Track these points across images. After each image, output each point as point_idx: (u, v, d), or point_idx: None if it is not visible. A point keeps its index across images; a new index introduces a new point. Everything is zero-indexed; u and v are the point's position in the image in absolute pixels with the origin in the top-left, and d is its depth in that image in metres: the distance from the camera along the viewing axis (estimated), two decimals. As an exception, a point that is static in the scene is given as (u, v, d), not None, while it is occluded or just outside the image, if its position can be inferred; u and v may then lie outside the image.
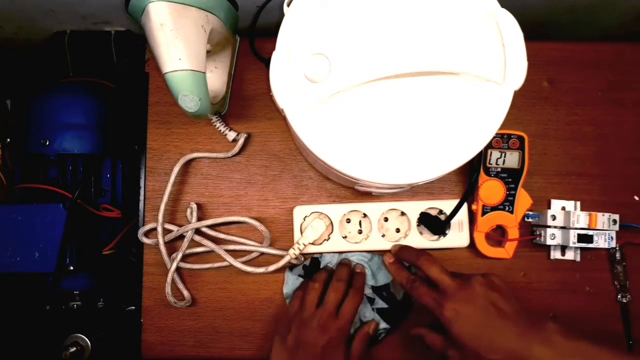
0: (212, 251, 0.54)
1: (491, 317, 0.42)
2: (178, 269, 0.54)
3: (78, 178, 0.57)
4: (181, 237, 0.54)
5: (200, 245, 0.54)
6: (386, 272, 0.54)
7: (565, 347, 0.40)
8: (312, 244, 0.53)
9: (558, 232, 0.53)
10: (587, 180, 0.56)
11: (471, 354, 0.42)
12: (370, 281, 0.54)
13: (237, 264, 0.53)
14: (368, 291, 0.53)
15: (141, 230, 0.54)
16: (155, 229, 0.54)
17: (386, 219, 0.55)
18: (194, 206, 0.54)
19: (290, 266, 0.55)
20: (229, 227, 0.56)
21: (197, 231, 0.55)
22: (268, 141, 0.57)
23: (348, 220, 0.55)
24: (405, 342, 0.54)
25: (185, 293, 0.54)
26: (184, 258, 0.54)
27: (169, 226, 0.54)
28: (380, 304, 0.53)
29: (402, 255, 0.51)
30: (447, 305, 0.43)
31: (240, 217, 0.54)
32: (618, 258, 0.55)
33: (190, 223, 0.54)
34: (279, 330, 0.50)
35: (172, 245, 0.55)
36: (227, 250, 0.54)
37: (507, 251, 0.54)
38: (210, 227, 0.55)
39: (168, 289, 0.53)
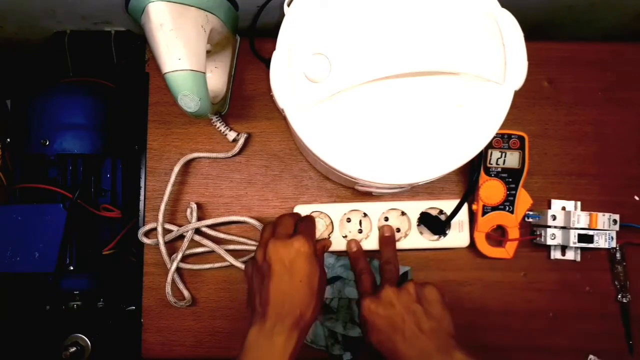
0: (212, 251, 0.54)
1: (403, 328, 0.42)
2: (178, 269, 0.54)
3: (78, 178, 0.57)
4: (181, 237, 0.54)
5: (201, 245, 0.54)
6: None
7: None
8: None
9: (558, 232, 0.53)
10: (587, 180, 0.56)
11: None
12: None
13: (237, 263, 0.53)
14: None
15: (141, 230, 0.54)
16: (155, 229, 0.54)
17: (386, 219, 0.55)
18: (194, 206, 0.54)
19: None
20: (229, 227, 0.56)
21: (197, 231, 0.55)
22: (268, 141, 0.57)
23: (348, 220, 0.55)
24: None
25: (186, 293, 0.54)
26: (184, 258, 0.54)
27: (169, 226, 0.54)
28: None
29: (381, 248, 0.53)
30: (368, 303, 0.44)
31: (241, 217, 0.54)
32: (618, 258, 0.55)
33: (190, 223, 0.54)
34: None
35: (172, 246, 0.55)
36: (228, 250, 0.54)
37: (507, 251, 0.54)
38: (210, 227, 0.54)
39: (168, 289, 0.53)
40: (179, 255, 0.53)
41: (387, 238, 0.53)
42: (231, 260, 0.53)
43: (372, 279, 0.50)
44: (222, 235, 0.55)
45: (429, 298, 0.45)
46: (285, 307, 0.42)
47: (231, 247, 0.55)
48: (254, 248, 0.54)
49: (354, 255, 0.53)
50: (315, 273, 0.44)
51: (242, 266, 0.53)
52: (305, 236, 0.45)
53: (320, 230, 0.53)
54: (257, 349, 0.40)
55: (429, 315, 0.43)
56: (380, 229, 0.54)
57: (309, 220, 0.49)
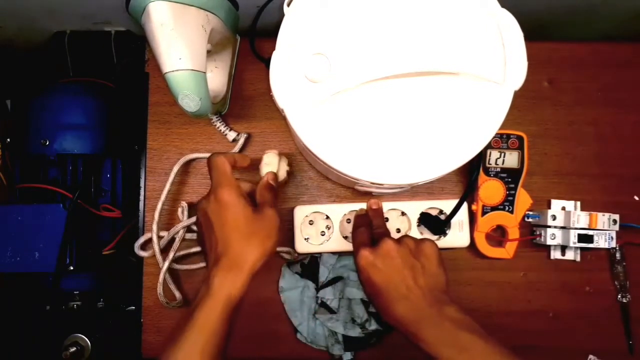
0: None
1: (399, 283, 0.42)
2: (173, 270, 0.54)
3: (78, 178, 0.57)
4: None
5: (194, 245, 0.54)
6: None
7: (449, 334, 0.39)
8: (313, 243, 0.54)
9: (558, 232, 0.53)
10: (587, 180, 0.56)
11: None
12: None
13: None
14: (364, 295, 0.53)
15: (137, 243, 0.54)
16: (151, 239, 0.53)
17: (386, 219, 0.54)
18: (185, 205, 0.54)
19: (288, 263, 0.55)
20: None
21: (192, 230, 0.54)
22: (268, 141, 0.57)
23: (348, 221, 0.55)
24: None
25: (177, 294, 0.53)
26: (180, 259, 0.54)
27: (161, 233, 0.53)
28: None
29: (370, 213, 0.53)
30: (366, 254, 0.43)
31: None
32: (618, 258, 0.55)
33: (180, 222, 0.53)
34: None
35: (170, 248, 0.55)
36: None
37: (507, 251, 0.54)
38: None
39: (160, 289, 0.52)
40: (170, 255, 0.52)
41: (377, 210, 0.53)
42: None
43: (370, 235, 0.48)
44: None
45: (427, 253, 0.44)
46: (215, 251, 0.43)
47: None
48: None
49: (373, 213, 0.52)
50: (239, 213, 0.43)
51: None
52: (219, 183, 0.44)
53: (273, 164, 0.50)
54: (198, 295, 0.41)
55: (425, 271, 0.43)
56: (368, 202, 0.53)
57: (216, 165, 0.45)
